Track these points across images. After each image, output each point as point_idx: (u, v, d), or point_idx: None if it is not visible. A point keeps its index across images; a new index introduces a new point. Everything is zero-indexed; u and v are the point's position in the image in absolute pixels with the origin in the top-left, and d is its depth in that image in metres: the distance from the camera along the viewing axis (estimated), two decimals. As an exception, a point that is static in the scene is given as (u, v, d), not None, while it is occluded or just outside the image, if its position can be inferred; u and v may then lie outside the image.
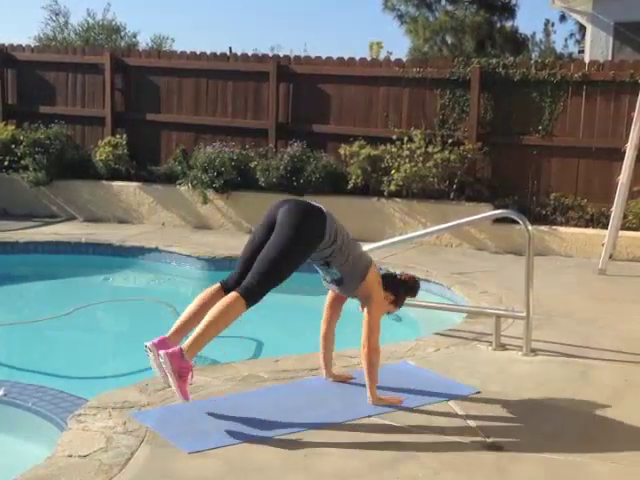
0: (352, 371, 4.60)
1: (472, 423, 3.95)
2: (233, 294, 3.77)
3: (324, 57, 10.17)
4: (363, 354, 4.13)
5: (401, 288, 4.33)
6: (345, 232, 4.08)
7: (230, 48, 11.51)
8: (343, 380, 4.47)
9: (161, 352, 3.60)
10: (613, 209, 8.09)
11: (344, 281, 4.12)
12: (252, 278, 3.80)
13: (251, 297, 3.77)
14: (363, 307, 4.19)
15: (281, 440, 3.68)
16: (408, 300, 4.48)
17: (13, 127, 10.80)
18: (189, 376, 3.66)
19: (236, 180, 9.75)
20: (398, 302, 4.36)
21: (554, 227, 8.89)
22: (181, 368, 3.60)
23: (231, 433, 3.72)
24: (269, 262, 3.80)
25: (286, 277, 3.87)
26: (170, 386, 3.70)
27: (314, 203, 4.03)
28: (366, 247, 5.26)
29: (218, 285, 3.98)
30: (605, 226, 8.35)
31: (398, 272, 4.51)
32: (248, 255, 3.99)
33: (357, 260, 4.10)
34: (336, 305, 4.36)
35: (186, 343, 3.68)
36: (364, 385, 4.19)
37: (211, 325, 3.70)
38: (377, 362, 4.14)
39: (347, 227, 4.15)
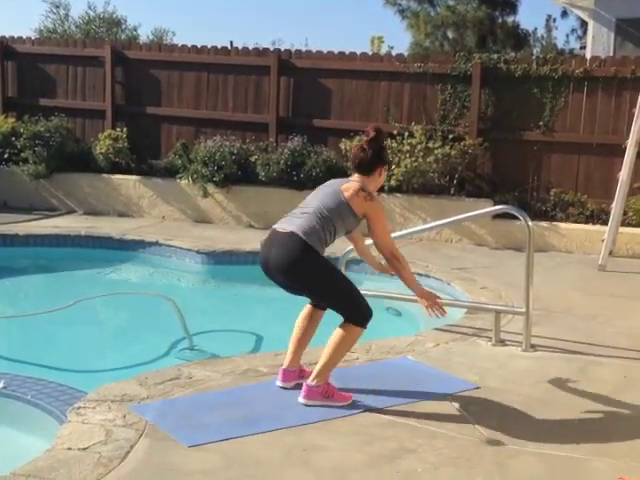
0: (351, 367, 4.61)
1: (471, 418, 3.95)
2: (346, 325, 4.03)
3: (325, 51, 10.16)
4: (390, 262, 4.11)
5: (383, 151, 4.22)
6: (313, 203, 4.05)
7: (231, 42, 11.50)
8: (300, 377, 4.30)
9: (300, 400, 4.01)
10: (613, 205, 8.09)
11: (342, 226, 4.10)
12: (342, 313, 4.06)
13: (361, 321, 4.02)
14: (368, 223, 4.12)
15: (280, 434, 3.68)
16: (408, 295, 4.48)
17: (13, 120, 10.78)
18: (333, 390, 4.03)
19: (236, 174, 9.75)
20: (382, 173, 4.20)
21: (554, 223, 8.89)
22: (322, 393, 4.00)
23: (230, 427, 3.73)
24: (332, 303, 4.10)
25: (348, 283, 4.07)
26: None
27: (294, 238, 3.95)
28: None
29: (308, 305, 4.28)
30: (605, 222, 8.35)
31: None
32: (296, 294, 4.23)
33: (334, 211, 4.03)
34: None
35: (311, 377, 4.05)
36: (364, 378, 4.20)
37: (334, 354, 4.03)
38: (404, 262, 4.11)
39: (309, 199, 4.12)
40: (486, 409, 4.10)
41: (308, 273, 3.97)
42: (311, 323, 4.27)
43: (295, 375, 4.27)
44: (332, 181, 4.23)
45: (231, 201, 9.88)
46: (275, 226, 4.10)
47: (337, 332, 4.04)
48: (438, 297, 4.26)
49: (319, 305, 4.24)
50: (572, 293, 6.87)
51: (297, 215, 4.07)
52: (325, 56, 10.13)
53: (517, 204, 8.13)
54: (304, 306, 4.31)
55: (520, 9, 22.91)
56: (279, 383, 4.26)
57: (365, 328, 4.05)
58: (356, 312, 4.03)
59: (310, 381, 4.03)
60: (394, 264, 4.13)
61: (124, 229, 9.05)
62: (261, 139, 10.16)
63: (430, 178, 9.26)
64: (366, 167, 4.13)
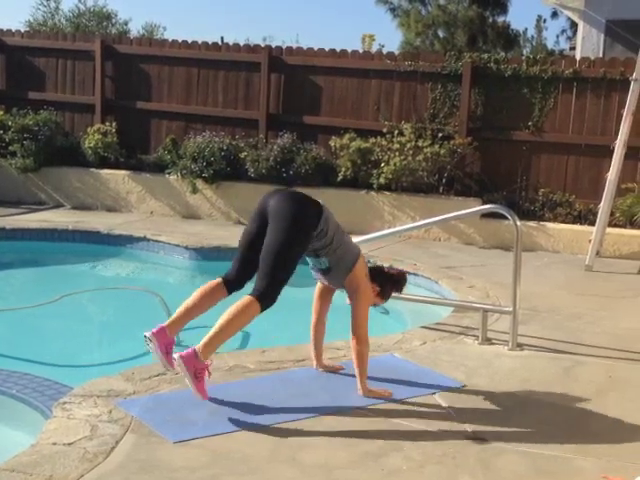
0: (340, 362, 4.61)
1: (457, 416, 3.97)
2: (248, 297, 3.83)
3: (316, 48, 10.15)
4: (353, 346, 4.15)
5: (388, 281, 4.36)
6: (336, 223, 4.11)
7: (222, 38, 11.49)
8: (334, 371, 4.49)
9: (175, 355, 3.70)
10: (601, 206, 8.12)
11: (332, 271, 4.14)
12: (261, 281, 3.86)
13: (265, 300, 3.85)
14: (350, 299, 4.20)
15: (267, 431, 3.68)
16: (395, 293, 4.50)
17: (1, 113, 10.69)
18: (205, 375, 3.75)
19: (225, 170, 9.73)
20: (384, 295, 4.38)
21: (542, 223, 8.92)
22: (197, 369, 3.70)
23: (217, 423, 3.72)
24: (273, 261, 3.85)
25: (292, 271, 3.92)
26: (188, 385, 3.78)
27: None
28: (355, 240, 5.27)
29: (219, 280, 4.07)
30: (592, 223, 8.39)
31: (386, 265, 4.53)
32: (244, 248, 4.10)
33: (345, 251, 4.12)
34: (325, 296, 4.38)
35: (200, 344, 3.76)
36: (351, 376, 4.20)
37: (225, 326, 3.80)
38: (366, 354, 4.16)
39: (335, 219, 4.16)
40: (472, 407, 4.12)
41: (295, 220, 3.88)
42: (210, 301, 4.03)
43: (168, 341, 3.93)
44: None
45: (220, 197, 9.86)
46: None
47: (237, 305, 3.79)
48: (387, 394, 4.16)
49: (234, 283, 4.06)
50: (559, 293, 6.90)
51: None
52: (316, 53, 10.12)
53: (505, 203, 8.12)
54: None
55: (510, 9, 23.05)
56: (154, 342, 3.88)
57: (263, 309, 3.84)
58: (273, 286, 3.85)
59: (197, 347, 3.72)
60: (355, 347, 4.12)
61: (112, 224, 9.01)
62: (251, 135, 10.14)
63: (419, 177, 9.27)
64: (374, 272, 4.34)
